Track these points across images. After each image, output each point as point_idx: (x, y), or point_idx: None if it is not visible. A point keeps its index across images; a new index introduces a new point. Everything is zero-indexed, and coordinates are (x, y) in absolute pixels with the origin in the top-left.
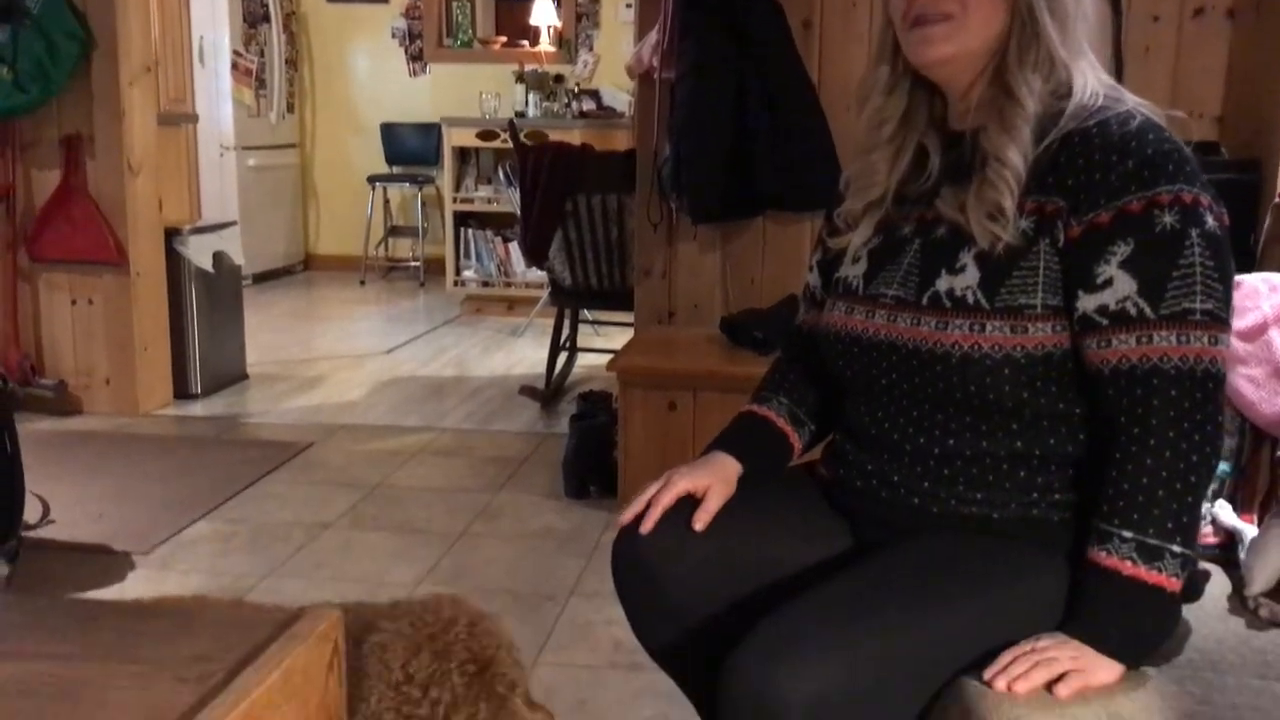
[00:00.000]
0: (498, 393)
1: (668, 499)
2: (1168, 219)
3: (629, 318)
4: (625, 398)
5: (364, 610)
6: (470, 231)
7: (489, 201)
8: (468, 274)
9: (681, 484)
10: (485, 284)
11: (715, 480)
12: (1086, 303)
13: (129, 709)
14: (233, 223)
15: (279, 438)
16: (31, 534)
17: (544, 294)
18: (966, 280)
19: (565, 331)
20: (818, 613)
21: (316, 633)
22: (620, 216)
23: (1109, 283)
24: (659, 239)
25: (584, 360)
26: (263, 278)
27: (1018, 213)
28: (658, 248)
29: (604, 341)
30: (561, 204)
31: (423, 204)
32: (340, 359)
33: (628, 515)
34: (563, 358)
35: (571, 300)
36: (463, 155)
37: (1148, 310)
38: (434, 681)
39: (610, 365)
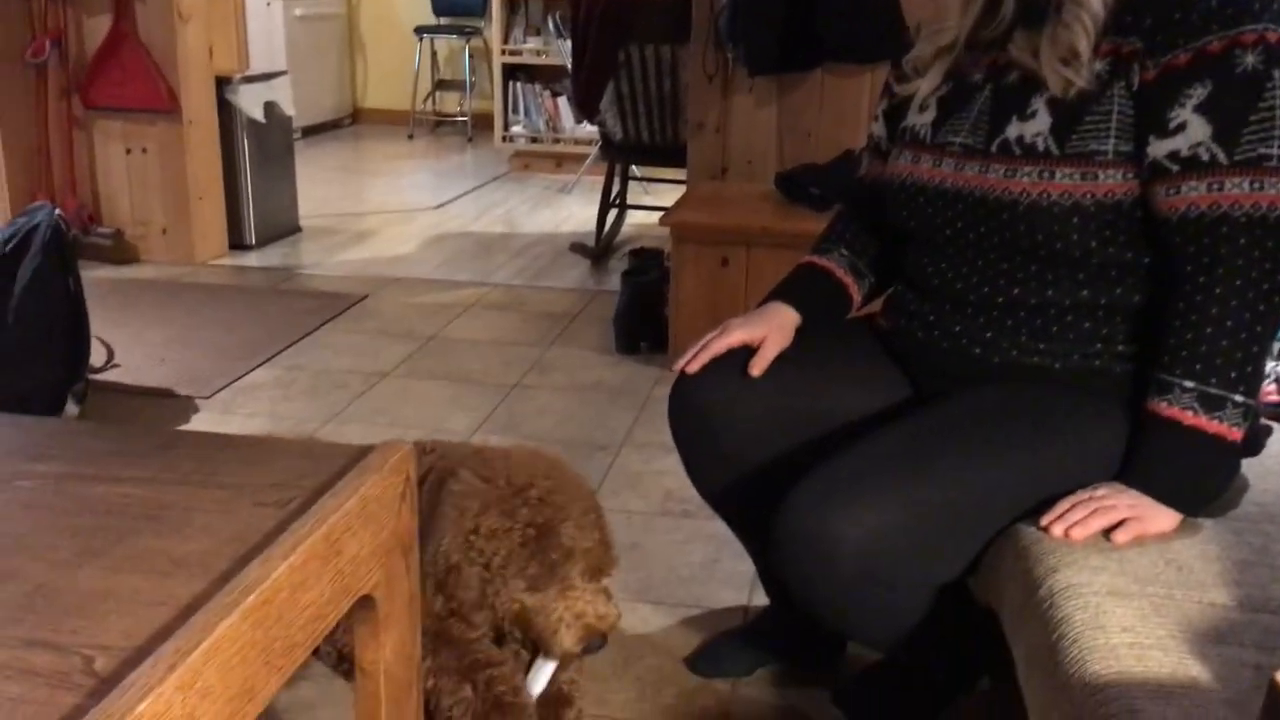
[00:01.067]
0: (547, 249)
1: (721, 346)
2: (1250, 60)
3: (680, 175)
4: (677, 253)
5: (451, 453)
6: (519, 85)
7: (538, 54)
8: (516, 129)
9: (738, 334)
10: (534, 140)
11: (772, 329)
12: (1157, 148)
13: (213, 530)
14: (282, 72)
15: (333, 289)
16: (97, 377)
17: (593, 151)
18: (1037, 126)
19: (615, 188)
20: (875, 458)
21: (389, 464)
22: (674, 68)
23: (1182, 127)
24: (713, 92)
25: (633, 218)
26: (311, 131)
27: (1092, 55)
28: (712, 101)
29: (653, 199)
30: (614, 55)
31: (470, 56)
32: (390, 213)
33: (684, 362)
34: (612, 215)
35: (622, 155)
36: (511, 5)
37: (1220, 156)
38: (496, 537)
39: (663, 220)
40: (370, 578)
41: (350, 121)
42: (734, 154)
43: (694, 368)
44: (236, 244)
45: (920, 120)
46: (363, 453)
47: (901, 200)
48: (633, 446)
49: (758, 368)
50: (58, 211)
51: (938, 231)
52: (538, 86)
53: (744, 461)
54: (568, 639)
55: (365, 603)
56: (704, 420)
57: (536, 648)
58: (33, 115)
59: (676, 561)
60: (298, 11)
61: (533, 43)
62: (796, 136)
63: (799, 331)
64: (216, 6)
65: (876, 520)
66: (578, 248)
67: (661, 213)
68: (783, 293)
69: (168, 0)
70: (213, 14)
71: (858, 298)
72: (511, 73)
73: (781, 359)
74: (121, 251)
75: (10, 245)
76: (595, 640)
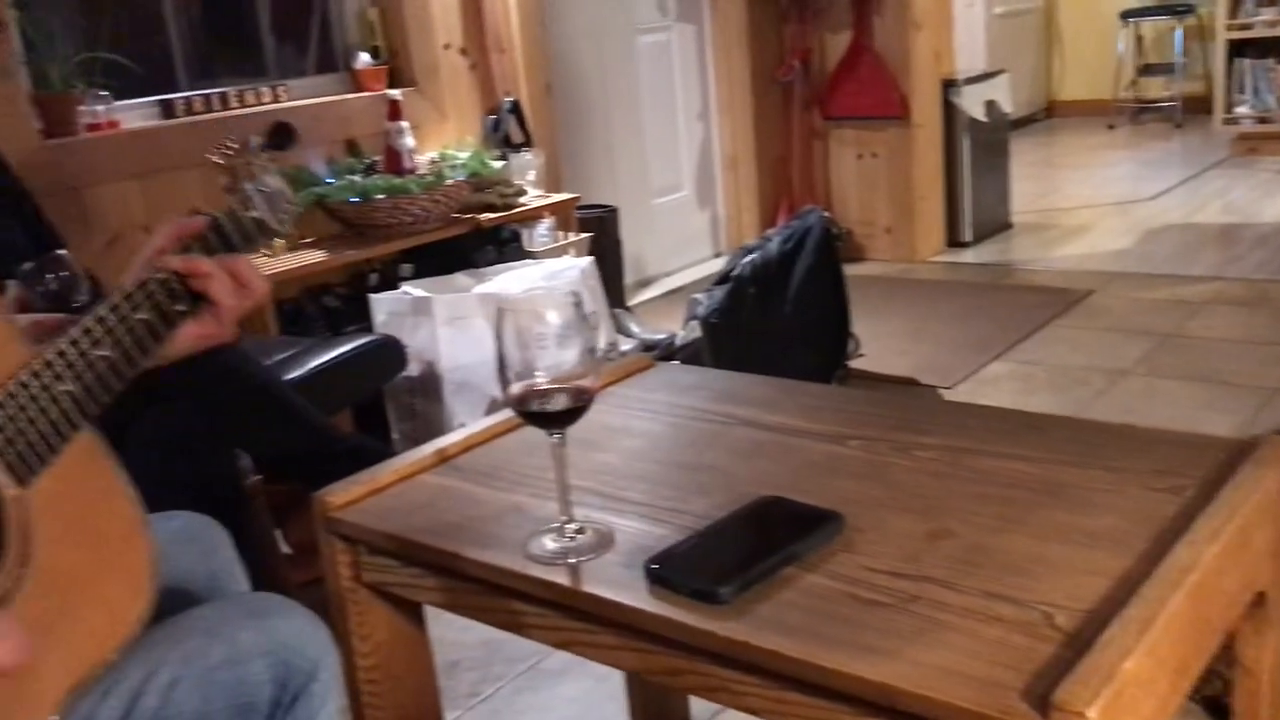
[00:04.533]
0: None
1: None
2: None
3: None
4: None
5: None
6: (1245, 62)
7: (1271, 25)
8: (1240, 110)
9: None
10: (1263, 120)
11: None
12: None
13: (1117, 509)
14: (1001, 71)
15: (1054, 284)
16: (849, 364)
17: None
18: None
19: None
20: None
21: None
22: None
23: None
24: None
25: None
26: (1009, 127)
27: None
28: None
29: None
30: None
31: (1183, 36)
32: (1100, 206)
33: None
34: None
35: None
36: None
37: None
38: None
39: None
40: (1266, 574)
41: (1044, 115)
42: None
43: None
44: (954, 241)
45: None
46: (1241, 446)
47: None
48: None
49: None
50: (826, 215)
51: None
52: (1270, 61)
53: None
54: None
55: (1257, 599)
56: None
57: None
58: (779, 128)
59: None
60: (998, 10)
61: (1266, 14)
62: None
63: None
64: (940, 12)
65: None
66: None
67: None
68: None
69: (903, 10)
70: (938, 20)
71: None
72: (1238, 49)
73: None
74: (850, 250)
75: (789, 244)
76: None
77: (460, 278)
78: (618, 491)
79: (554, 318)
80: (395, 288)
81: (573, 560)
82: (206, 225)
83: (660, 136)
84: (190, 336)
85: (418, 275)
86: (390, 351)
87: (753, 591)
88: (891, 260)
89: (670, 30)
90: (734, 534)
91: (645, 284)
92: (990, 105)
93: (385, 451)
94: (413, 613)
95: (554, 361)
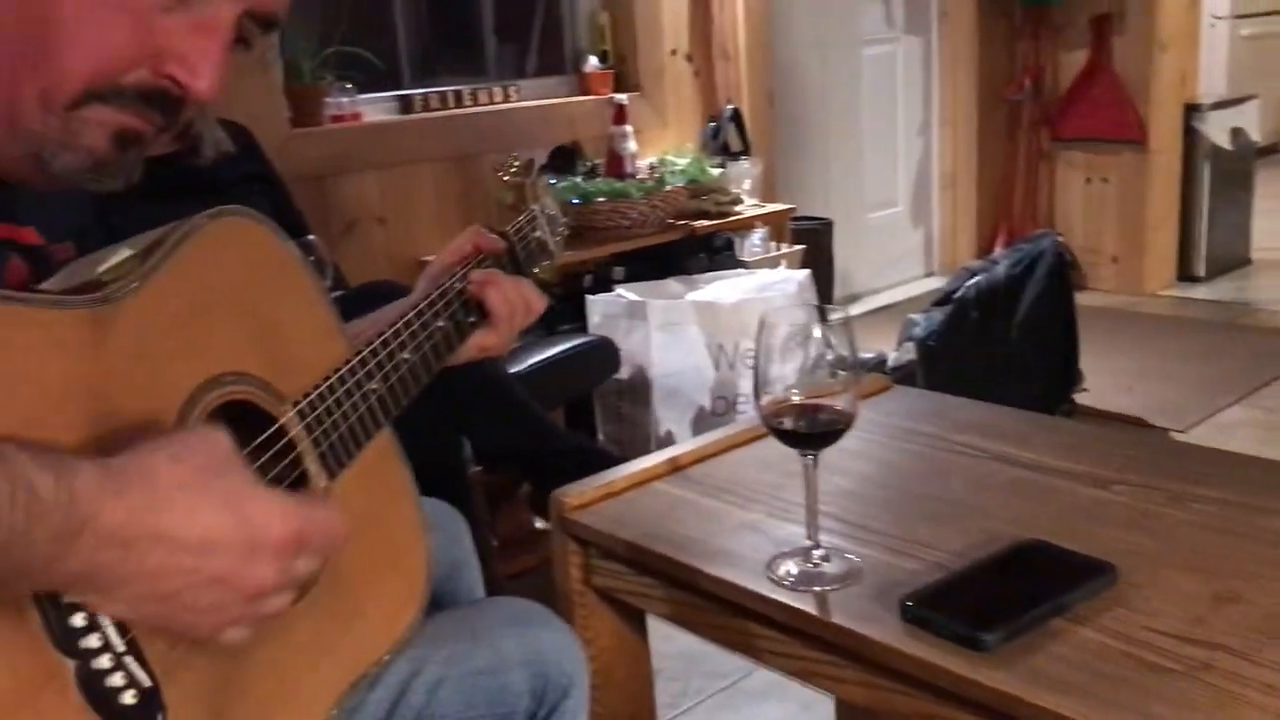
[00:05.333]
0: None
1: None
2: None
3: None
4: None
5: None
6: None
7: None
8: None
9: None
10: None
11: None
12: None
13: None
14: (1252, 96)
15: None
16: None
17: None
18: None
19: None
20: None
21: None
22: None
23: None
24: None
25: None
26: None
27: None
28: None
29: None
30: None
31: None
32: None
33: None
34: None
35: None
36: None
37: None
38: None
39: None
40: None
41: None
42: None
43: None
44: (1185, 275)
45: None
46: None
47: None
48: None
49: None
50: (1060, 239)
51: None
52: None
53: None
54: None
55: None
56: None
57: None
58: (1002, 147)
59: None
60: (1244, 31)
61: None
62: None
63: None
64: (1188, 33)
65: None
66: None
67: None
68: None
69: (1148, 30)
70: (1184, 40)
71: None
72: None
73: None
74: (1073, 278)
75: (1018, 269)
76: None
77: (671, 284)
78: (860, 519)
79: (817, 332)
80: (608, 290)
81: (818, 588)
82: (504, 244)
83: (878, 150)
84: (472, 347)
85: (629, 279)
86: (605, 353)
87: (1018, 641)
88: (1116, 291)
89: (896, 43)
90: (995, 577)
91: (851, 299)
92: (1236, 133)
93: (609, 454)
94: (637, 621)
95: (810, 378)
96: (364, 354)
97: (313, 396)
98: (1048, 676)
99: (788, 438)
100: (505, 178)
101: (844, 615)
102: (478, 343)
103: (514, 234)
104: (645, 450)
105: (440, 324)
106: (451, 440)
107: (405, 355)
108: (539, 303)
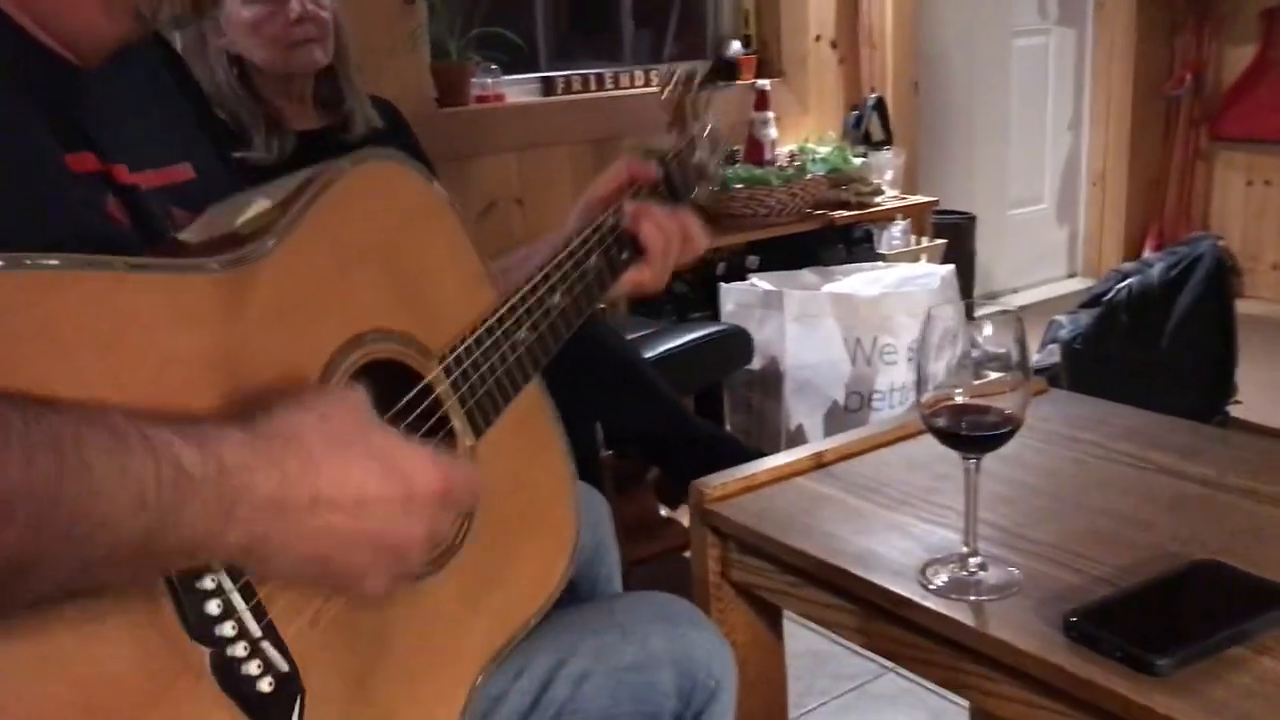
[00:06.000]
0: None
1: None
2: None
3: None
4: None
5: None
6: None
7: None
8: None
9: None
10: None
11: None
12: None
13: None
14: None
15: None
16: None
17: None
18: None
19: None
20: None
21: None
22: None
23: None
24: None
25: None
26: None
27: None
28: None
29: None
30: None
31: None
32: None
33: None
34: None
35: None
36: None
37: None
38: None
39: None
40: None
41: None
42: None
43: None
44: None
45: None
46: None
47: None
48: None
49: None
50: (1222, 243)
51: None
52: None
53: None
54: None
55: None
56: None
57: None
58: (1157, 146)
59: None
60: None
61: None
62: None
63: None
64: None
65: None
66: None
67: None
68: None
69: None
70: None
71: None
72: None
73: None
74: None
75: (1173, 272)
76: None
77: (807, 274)
78: (1018, 528)
79: (988, 329)
80: (742, 278)
81: (974, 597)
82: (659, 173)
83: (1025, 145)
84: (626, 283)
85: (763, 268)
86: (739, 342)
87: (1194, 667)
88: (1275, 300)
89: (1049, 34)
90: (1168, 597)
91: (991, 298)
92: None
93: (741, 445)
94: (773, 617)
95: (971, 377)
96: (513, 301)
97: (460, 350)
98: (1232, 708)
99: (950, 439)
100: (663, 95)
101: (1002, 627)
102: (632, 278)
103: (671, 159)
104: (774, 443)
105: (592, 262)
106: (585, 424)
107: (556, 299)
108: (700, 236)
